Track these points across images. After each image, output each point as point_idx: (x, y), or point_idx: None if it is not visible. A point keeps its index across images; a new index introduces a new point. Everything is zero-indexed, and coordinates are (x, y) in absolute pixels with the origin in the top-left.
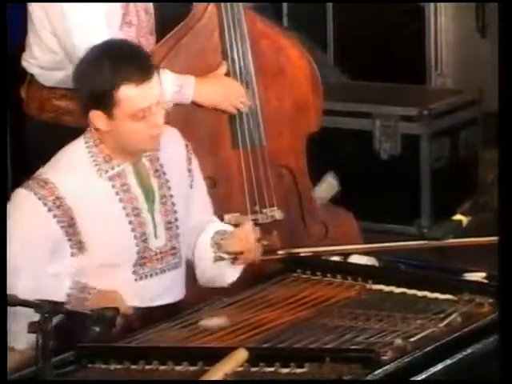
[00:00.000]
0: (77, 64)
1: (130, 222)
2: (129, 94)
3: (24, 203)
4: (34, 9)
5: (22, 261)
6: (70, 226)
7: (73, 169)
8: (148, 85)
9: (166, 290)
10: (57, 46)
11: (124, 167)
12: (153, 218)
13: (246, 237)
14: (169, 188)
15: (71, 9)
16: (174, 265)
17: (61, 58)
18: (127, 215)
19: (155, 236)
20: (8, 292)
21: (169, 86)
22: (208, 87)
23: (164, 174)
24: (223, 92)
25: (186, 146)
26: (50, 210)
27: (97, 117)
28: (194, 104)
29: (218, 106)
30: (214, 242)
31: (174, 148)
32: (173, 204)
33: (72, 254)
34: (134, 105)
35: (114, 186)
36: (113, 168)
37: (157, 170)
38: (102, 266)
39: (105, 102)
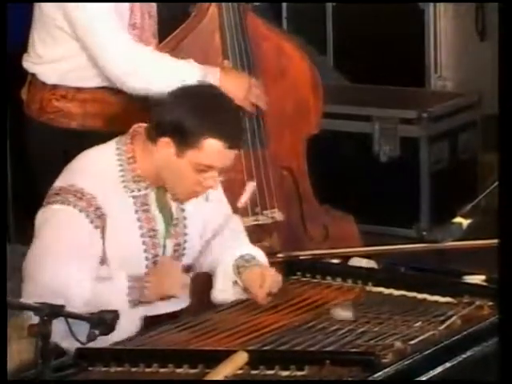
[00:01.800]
0: (178, 89)
1: (144, 243)
2: (214, 149)
3: (66, 218)
4: (45, 8)
5: (76, 275)
6: (102, 239)
7: (103, 179)
8: (231, 152)
9: (169, 302)
10: (68, 37)
11: (149, 191)
12: (164, 241)
13: (261, 285)
14: (182, 210)
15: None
16: None
17: (70, 51)
18: (142, 235)
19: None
20: (64, 307)
21: (194, 76)
22: (232, 82)
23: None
24: (244, 87)
25: None
26: (92, 221)
27: (166, 145)
28: None
29: (238, 100)
30: (235, 268)
31: None
32: (184, 226)
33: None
34: (210, 160)
35: (135, 204)
36: (139, 190)
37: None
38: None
39: (187, 140)
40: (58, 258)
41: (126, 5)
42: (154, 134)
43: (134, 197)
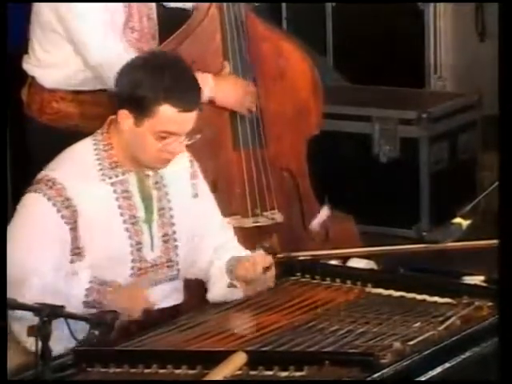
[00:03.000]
0: (132, 59)
1: (127, 230)
2: (167, 114)
3: (33, 205)
4: (42, 10)
5: (34, 262)
6: (73, 230)
7: (79, 170)
8: (187, 115)
9: (163, 297)
10: (64, 42)
11: (128, 176)
12: (150, 229)
13: (253, 266)
14: (168, 200)
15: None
16: (171, 277)
17: (68, 56)
18: (124, 222)
19: (151, 248)
20: (17, 293)
21: None
22: (224, 86)
23: (164, 186)
24: (238, 92)
25: (191, 161)
26: (58, 210)
27: (125, 117)
28: (209, 102)
29: (232, 106)
30: (228, 268)
31: (175, 162)
32: (171, 216)
33: (71, 261)
34: (166, 126)
35: (115, 191)
36: (117, 176)
37: (157, 182)
38: (97, 271)
39: (142, 108)
40: (21, 244)
41: (122, 7)
42: (115, 110)
43: (112, 184)
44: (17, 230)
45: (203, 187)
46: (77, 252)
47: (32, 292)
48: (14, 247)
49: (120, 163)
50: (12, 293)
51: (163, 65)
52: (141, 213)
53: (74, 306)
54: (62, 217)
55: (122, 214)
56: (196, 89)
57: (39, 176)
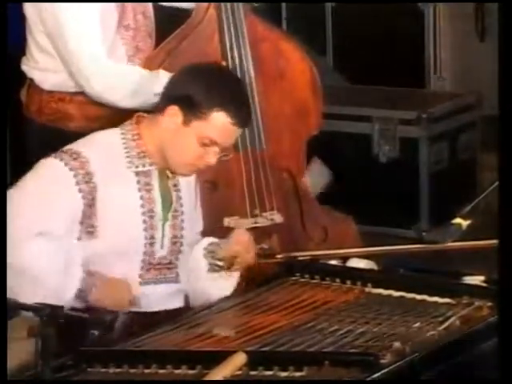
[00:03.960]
0: (194, 64)
1: (144, 222)
2: (220, 122)
3: (52, 171)
4: (27, 11)
5: (40, 227)
6: (90, 206)
7: (106, 150)
8: (236, 131)
9: (165, 299)
10: (51, 48)
11: (153, 168)
12: (163, 228)
13: (240, 240)
14: (181, 205)
15: (64, 12)
16: (170, 279)
17: (58, 61)
18: (143, 214)
19: (161, 245)
20: (14, 257)
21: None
22: None
23: (179, 190)
24: None
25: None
26: (77, 183)
27: (175, 114)
28: None
29: None
30: (207, 252)
31: None
32: (182, 221)
33: (79, 238)
34: (214, 133)
35: (138, 182)
36: (144, 165)
37: (175, 185)
38: (108, 257)
39: (195, 110)
40: (31, 201)
41: (113, 7)
42: (162, 105)
43: (137, 174)
44: (30, 191)
45: (198, 199)
46: (90, 230)
47: (34, 254)
48: (20, 204)
49: (148, 154)
50: (10, 254)
51: (226, 74)
52: (158, 208)
53: (69, 287)
54: (80, 190)
55: (142, 206)
56: (250, 109)
57: (64, 148)
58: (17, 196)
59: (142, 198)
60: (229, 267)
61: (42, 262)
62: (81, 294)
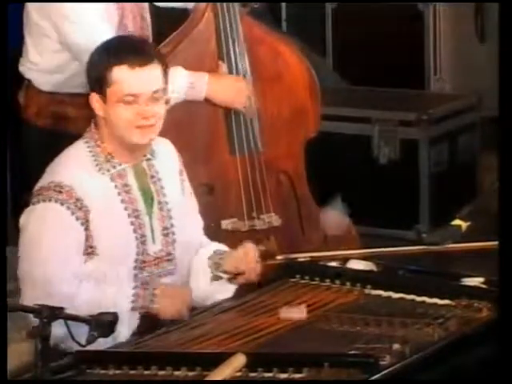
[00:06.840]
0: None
1: (132, 223)
2: (120, 75)
3: (49, 214)
4: (31, 15)
5: (61, 271)
6: (86, 229)
7: (78, 169)
8: (143, 71)
9: None
10: (59, 47)
11: (125, 167)
12: (150, 222)
13: (246, 257)
14: (164, 195)
15: (72, 10)
16: (170, 271)
17: (63, 61)
18: (129, 216)
19: (153, 240)
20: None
21: (181, 82)
22: (221, 85)
23: (159, 180)
24: (234, 90)
25: (179, 158)
26: (72, 212)
27: (94, 100)
28: (206, 101)
29: (229, 104)
30: (212, 262)
31: (167, 158)
32: (168, 210)
33: (85, 261)
34: (125, 88)
35: (116, 187)
36: (114, 167)
37: (153, 176)
38: (105, 267)
39: (99, 83)
40: (45, 255)
41: (115, 9)
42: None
43: (111, 178)
44: (38, 242)
45: (188, 185)
46: (90, 251)
47: (67, 305)
48: (37, 259)
49: (114, 154)
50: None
51: (108, 40)
52: (141, 206)
53: (121, 310)
54: (77, 218)
55: (126, 208)
56: (144, 44)
57: (43, 184)
58: (28, 249)
59: (123, 201)
60: (232, 281)
61: (91, 307)
62: (136, 306)
